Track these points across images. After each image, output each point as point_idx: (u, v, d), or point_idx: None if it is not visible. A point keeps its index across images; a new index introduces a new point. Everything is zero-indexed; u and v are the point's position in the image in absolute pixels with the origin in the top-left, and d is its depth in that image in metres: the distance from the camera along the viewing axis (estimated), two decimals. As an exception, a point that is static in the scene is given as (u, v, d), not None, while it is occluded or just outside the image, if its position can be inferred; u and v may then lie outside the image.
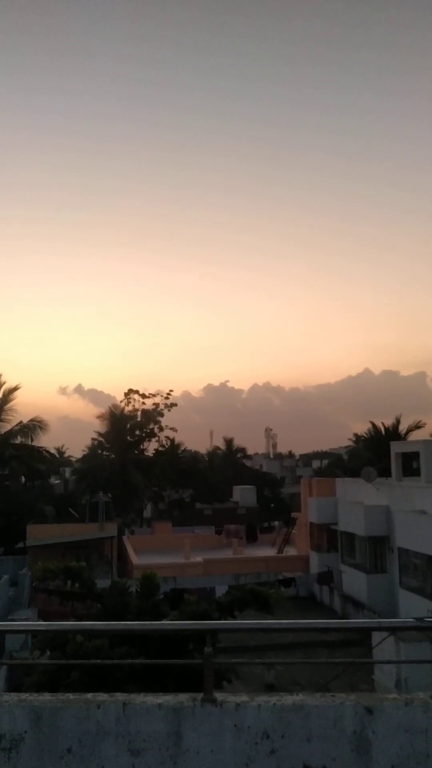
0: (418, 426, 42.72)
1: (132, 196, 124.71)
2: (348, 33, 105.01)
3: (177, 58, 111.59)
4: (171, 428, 53.42)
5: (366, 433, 46.19)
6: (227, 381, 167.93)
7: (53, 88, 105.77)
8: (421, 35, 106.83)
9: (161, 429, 52.19)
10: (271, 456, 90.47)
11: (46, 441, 40.92)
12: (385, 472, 30.31)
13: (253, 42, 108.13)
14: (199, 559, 32.70)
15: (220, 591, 17.64)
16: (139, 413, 50.87)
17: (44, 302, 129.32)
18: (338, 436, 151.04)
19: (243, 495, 50.04)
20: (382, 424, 44.58)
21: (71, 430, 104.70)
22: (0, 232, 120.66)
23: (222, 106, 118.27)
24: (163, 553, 35.15)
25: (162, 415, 51.71)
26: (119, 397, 57.73)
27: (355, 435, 50.95)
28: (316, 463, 79.55)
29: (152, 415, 51.25)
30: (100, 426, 48.39)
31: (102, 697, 3.49)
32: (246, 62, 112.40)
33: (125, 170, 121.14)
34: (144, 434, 50.71)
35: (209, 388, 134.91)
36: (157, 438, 52.48)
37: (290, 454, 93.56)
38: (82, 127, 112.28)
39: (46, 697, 3.56)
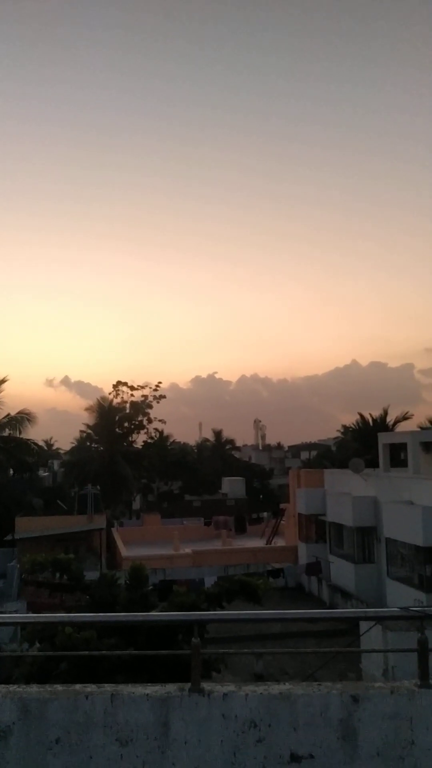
0: (405, 417, 43.02)
1: (121, 188, 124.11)
2: (350, 25, 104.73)
3: (177, 50, 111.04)
4: (160, 420, 53.32)
5: (354, 425, 46.38)
6: (215, 372, 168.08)
7: (53, 79, 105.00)
8: (424, 28, 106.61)
9: (150, 421, 52.06)
10: (260, 447, 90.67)
11: (34, 433, 40.81)
12: (373, 463, 30.47)
13: (252, 34, 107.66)
14: (188, 550, 32.77)
15: (209, 582, 17.71)
16: (127, 405, 50.71)
17: (30, 293, 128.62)
18: (326, 428, 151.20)
19: (232, 486, 50.16)
20: (370, 415, 44.81)
21: (59, 423, 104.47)
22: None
23: (212, 97, 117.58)
24: (152, 544, 35.19)
25: (151, 407, 51.57)
26: (106, 389, 57.52)
27: (344, 426, 51.11)
28: (304, 455, 79.80)
29: (141, 407, 51.10)
30: (88, 418, 48.27)
31: (90, 688, 3.51)
32: (246, 54, 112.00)
33: (114, 162, 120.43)
34: (133, 426, 50.58)
35: (197, 380, 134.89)
36: (145, 430, 52.34)
37: (279, 446, 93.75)
38: (74, 117, 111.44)
39: (34, 688, 3.58)
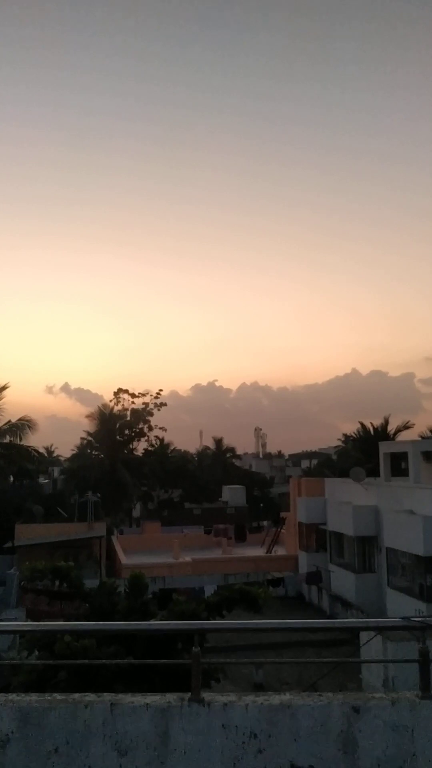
0: (406, 426, 43.00)
1: (122, 193, 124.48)
2: (343, 27, 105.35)
3: (172, 53, 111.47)
4: (160, 428, 53.35)
5: (355, 433, 46.37)
6: (215, 380, 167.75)
7: (50, 82, 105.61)
8: (418, 30, 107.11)
9: (150, 428, 52.05)
10: (261, 456, 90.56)
11: (35, 440, 40.73)
12: (374, 472, 30.42)
13: (248, 36, 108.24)
14: (188, 558, 32.68)
15: (209, 591, 17.69)
16: (128, 413, 50.70)
17: (30, 299, 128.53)
18: (327, 436, 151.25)
19: (232, 495, 50.06)
20: (371, 424, 44.81)
21: (59, 430, 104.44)
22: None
23: (218, 101, 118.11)
24: (152, 552, 35.11)
25: (151, 414, 51.56)
26: (106, 396, 57.32)
27: (344, 435, 51.11)
28: (305, 463, 79.73)
29: (141, 415, 51.08)
30: (88, 425, 48.29)
31: (89, 697, 3.49)
32: (241, 56, 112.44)
33: (115, 166, 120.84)
34: (133, 434, 50.58)
35: (197, 388, 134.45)
36: (146, 437, 52.36)
37: (279, 454, 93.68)
38: (71, 120, 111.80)
39: (33, 697, 3.56)
